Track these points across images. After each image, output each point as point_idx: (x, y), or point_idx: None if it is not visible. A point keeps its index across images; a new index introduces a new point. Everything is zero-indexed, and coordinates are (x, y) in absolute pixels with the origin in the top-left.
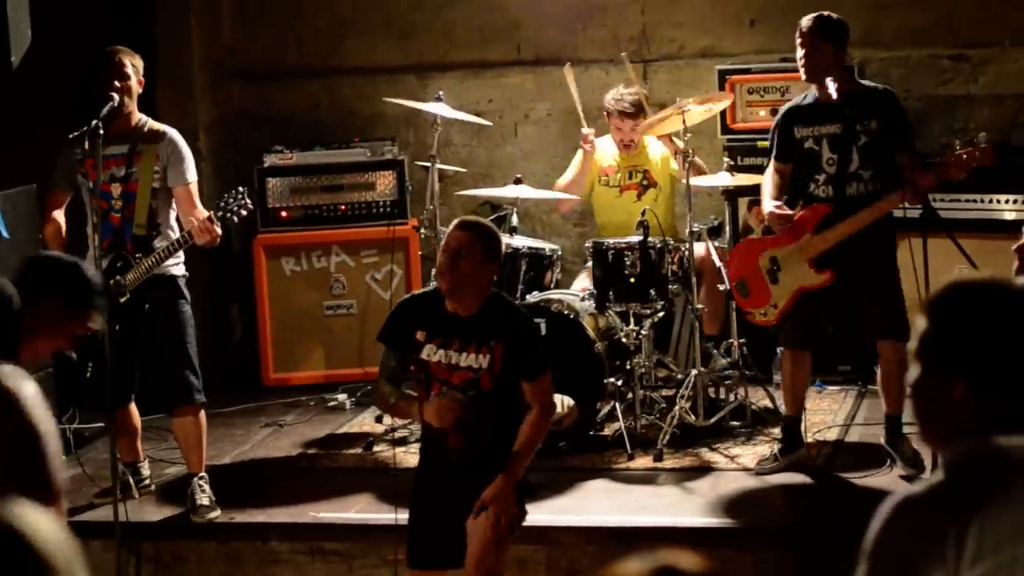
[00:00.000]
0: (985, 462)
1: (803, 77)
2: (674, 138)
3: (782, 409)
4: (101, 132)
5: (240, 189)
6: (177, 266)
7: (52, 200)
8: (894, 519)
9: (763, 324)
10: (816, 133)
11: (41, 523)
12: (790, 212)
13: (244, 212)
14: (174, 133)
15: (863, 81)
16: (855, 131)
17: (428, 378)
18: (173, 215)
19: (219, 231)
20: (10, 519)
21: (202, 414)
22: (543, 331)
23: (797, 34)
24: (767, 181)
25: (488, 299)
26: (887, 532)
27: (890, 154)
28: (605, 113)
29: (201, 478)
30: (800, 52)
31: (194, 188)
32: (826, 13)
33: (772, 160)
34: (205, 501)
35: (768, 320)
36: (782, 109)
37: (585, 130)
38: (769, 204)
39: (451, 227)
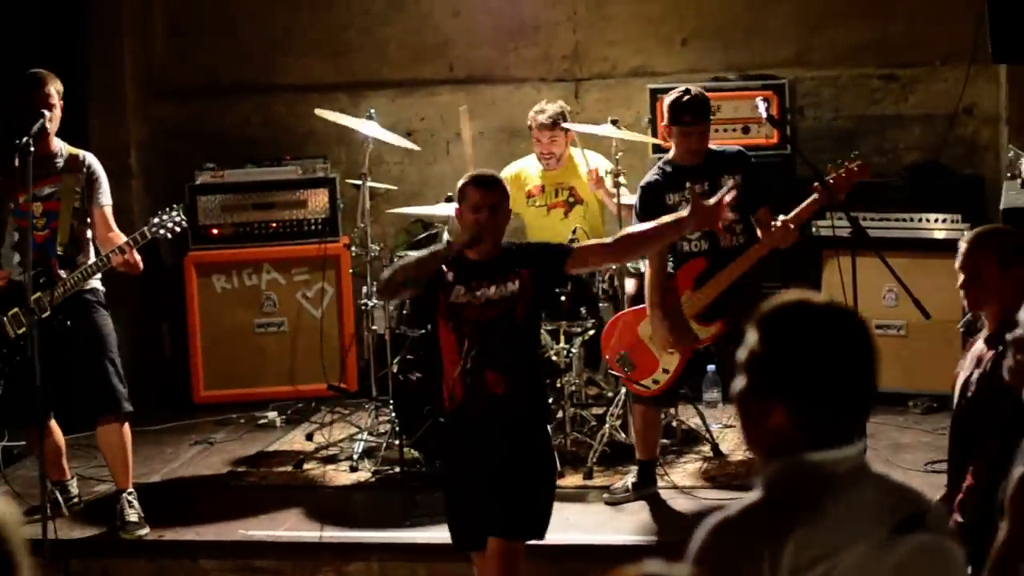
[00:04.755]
0: (799, 479)
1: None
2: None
3: (638, 453)
4: (32, 149)
5: (175, 206)
6: (95, 279)
7: None
8: (709, 543)
9: (652, 394)
10: (686, 195)
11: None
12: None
13: (178, 229)
14: (92, 157)
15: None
16: (720, 186)
17: (459, 324)
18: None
19: (140, 265)
20: None
21: (127, 426)
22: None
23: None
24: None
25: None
26: (702, 557)
27: (753, 207)
28: (529, 128)
29: (130, 494)
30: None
31: (109, 211)
32: (685, 92)
33: (638, 221)
34: (134, 518)
35: (659, 388)
36: (645, 183)
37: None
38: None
39: (472, 184)
